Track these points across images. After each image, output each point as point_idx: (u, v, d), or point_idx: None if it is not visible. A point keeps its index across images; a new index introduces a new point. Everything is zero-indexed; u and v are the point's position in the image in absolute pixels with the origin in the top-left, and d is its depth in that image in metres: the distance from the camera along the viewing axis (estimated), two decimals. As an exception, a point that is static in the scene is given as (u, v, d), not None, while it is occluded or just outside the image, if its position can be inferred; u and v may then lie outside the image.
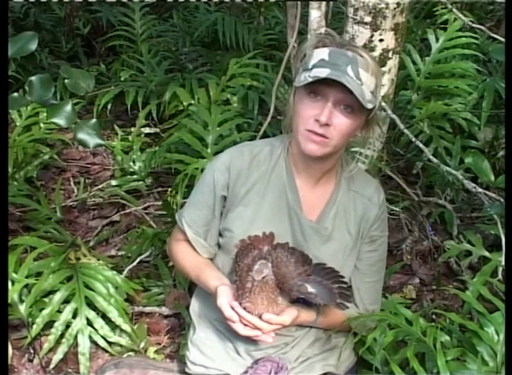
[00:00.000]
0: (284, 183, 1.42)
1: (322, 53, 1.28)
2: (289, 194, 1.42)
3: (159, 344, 1.96)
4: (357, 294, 1.51)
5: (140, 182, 2.68)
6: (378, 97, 1.34)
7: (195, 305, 1.59)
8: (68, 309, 1.85)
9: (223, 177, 1.43)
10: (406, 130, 2.02)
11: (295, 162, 1.43)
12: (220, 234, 1.49)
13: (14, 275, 1.83)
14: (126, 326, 1.87)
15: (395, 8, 1.98)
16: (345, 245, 1.44)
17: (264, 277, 1.28)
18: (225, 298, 1.33)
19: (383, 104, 2.00)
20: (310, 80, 1.26)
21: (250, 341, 1.45)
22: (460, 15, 2.17)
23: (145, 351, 1.91)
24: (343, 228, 1.44)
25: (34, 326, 1.81)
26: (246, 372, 1.44)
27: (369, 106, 1.29)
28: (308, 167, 1.41)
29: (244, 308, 1.30)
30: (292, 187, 1.42)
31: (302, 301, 1.42)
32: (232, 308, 1.31)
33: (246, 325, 1.31)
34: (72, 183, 2.75)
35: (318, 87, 1.28)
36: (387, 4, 1.96)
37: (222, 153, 1.50)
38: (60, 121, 1.36)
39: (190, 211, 1.51)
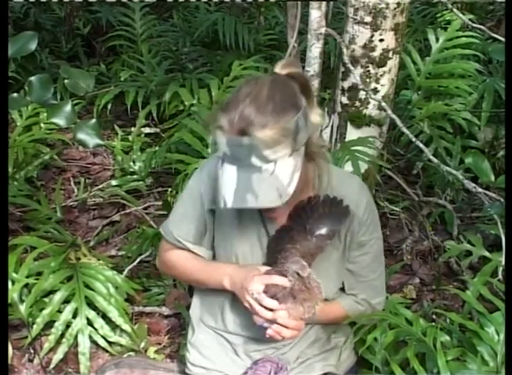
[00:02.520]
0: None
1: (222, 143, 1.15)
2: (267, 222, 1.37)
3: (159, 344, 1.96)
4: (353, 291, 1.47)
5: (140, 182, 2.68)
6: (300, 138, 1.15)
7: (195, 307, 1.59)
8: (68, 309, 1.85)
9: (211, 190, 1.36)
10: (406, 130, 2.02)
11: None
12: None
13: (14, 275, 1.83)
14: (127, 326, 1.87)
15: (395, 8, 1.98)
16: (333, 261, 1.40)
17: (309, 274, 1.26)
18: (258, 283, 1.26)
19: (383, 104, 2.00)
20: (222, 206, 1.17)
21: (248, 341, 1.45)
22: (461, 15, 2.17)
23: (145, 351, 1.91)
24: (328, 249, 1.35)
25: (34, 326, 1.82)
26: (245, 373, 1.44)
27: (289, 194, 1.16)
28: None
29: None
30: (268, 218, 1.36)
31: None
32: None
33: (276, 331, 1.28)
34: (72, 183, 2.75)
35: None
36: (387, 4, 1.96)
37: (206, 160, 1.43)
38: (60, 121, 1.37)
39: (177, 225, 1.45)
